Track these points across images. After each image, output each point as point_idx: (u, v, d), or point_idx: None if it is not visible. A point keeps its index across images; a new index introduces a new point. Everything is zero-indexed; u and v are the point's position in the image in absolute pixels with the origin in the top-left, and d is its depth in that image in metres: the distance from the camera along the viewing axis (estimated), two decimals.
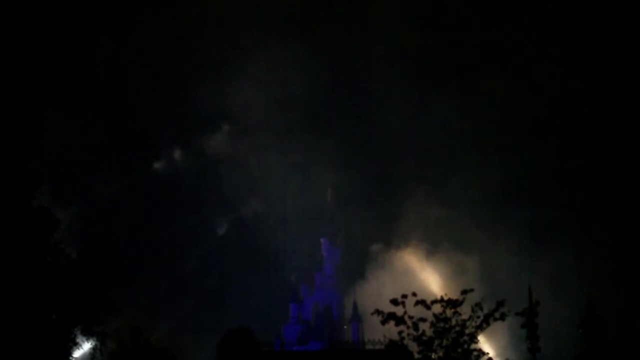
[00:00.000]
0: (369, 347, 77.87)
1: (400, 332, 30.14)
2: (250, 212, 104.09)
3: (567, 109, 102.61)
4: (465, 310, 30.24)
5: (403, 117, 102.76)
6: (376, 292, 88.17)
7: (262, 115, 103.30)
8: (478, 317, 30.13)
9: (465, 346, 30.21)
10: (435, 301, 30.46)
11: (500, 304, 30.33)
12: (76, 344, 39.33)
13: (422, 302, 30.12)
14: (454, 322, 30.19)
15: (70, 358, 39.46)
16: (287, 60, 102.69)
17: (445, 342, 30.14)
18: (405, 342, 30.31)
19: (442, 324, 30.15)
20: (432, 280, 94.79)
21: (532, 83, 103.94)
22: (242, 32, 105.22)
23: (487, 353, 30.98)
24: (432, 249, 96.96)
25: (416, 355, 30.57)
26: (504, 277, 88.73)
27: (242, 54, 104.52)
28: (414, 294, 30.13)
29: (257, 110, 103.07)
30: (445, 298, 30.37)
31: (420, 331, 30.06)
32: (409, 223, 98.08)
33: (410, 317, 29.97)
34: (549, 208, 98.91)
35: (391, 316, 29.88)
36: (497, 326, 31.31)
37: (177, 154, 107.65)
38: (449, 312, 30.19)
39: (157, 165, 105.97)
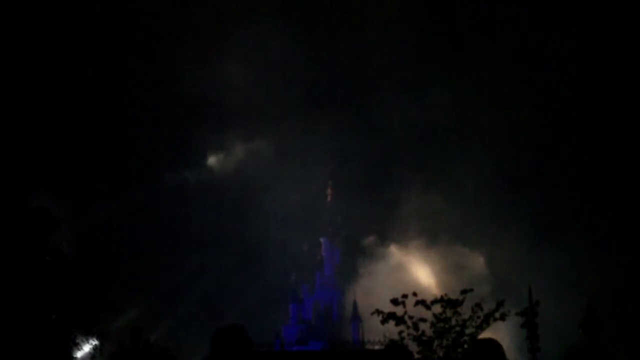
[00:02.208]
0: (368, 347, 77.88)
1: (400, 332, 30.12)
2: (241, 205, 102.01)
3: (571, 92, 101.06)
4: (465, 310, 30.21)
5: (402, 101, 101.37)
6: (374, 288, 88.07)
7: (250, 99, 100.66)
8: (478, 317, 30.10)
9: (466, 346, 30.19)
10: (435, 301, 30.43)
11: (500, 304, 30.30)
12: (76, 344, 39.36)
13: (422, 302, 30.09)
14: (454, 322, 30.17)
15: (71, 358, 39.49)
16: (278, 38, 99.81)
17: (445, 342, 30.13)
18: (405, 342, 30.29)
19: (442, 324, 30.13)
20: (431, 274, 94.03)
21: (533, 66, 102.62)
22: (229, 6, 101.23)
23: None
24: (432, 242, 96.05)
25: (416, 355, 30.56)
26: (508, 271, 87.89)
27: (227, 30, 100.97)
28: (415, 294, 30.10)
29: (245, 92, 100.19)
30: (445, 298, 30.35)
31: (420, 331, 30.04)
32: (407, 214, 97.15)
33: (411, 317, 29.94)
34: (554, 196, 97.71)
35: (391, 316, 29.85)
36: (500, 326, 31.29)
37: (162, 147, 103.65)
38: (449, 312, 30.17)
39: (154, 171, 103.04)
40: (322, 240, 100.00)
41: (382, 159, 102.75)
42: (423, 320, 30.17)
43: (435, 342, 30.19)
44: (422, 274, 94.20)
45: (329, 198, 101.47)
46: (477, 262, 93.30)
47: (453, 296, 30.37)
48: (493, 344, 31.44)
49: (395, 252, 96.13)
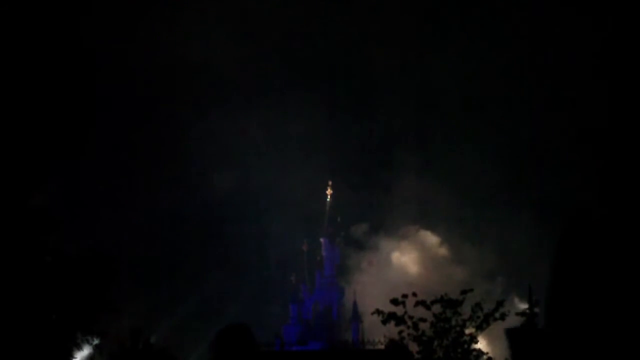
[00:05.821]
0: (368, 347, 77.97)
1: (400, 332, 30.08)
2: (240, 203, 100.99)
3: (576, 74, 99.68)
4: (465, 310, 30.16)
5: (401, 76, 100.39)
6: (368, 280, 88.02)
7: (234, 69, 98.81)
8: (478, 317, 30.07)
9: (466, 346, 30.17)
10: (435, 301, 30.39)
11: (499, 304, 30.24)
12: (76, 345, 39.36)
13: (422, 303, 30.06)
14: (453, 322, 30.13)
15: (71, 359, 39.50)
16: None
17: (445, 342, 30.10)
18: (405, 342, 30.26)
19: (442, 324, 30.10)
20: (429, 268, 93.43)
21: (535, 40, 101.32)
22: None
23: (487, 353, 30.92)
24: (428, 232, 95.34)
25: (416, 356, 30.53)
26: (512, 264, 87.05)
27: None
28: (414, 294, 30.06)
29: (227, 62, 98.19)
30: (446, 297, 30.31)
31: (421, 331, 30.01)
32: (402, 200, 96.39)
33: (411, 317, 29.91)
34: (557, 183, 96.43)
35: (392, 316, 29.82)
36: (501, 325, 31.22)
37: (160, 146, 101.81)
38: (449, 313, 30.14)
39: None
40: (322, 240, 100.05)
41: (378, 141, 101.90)
42: (423, 320, 30.13)
43: (435, 342, 30.16)
44: (417, 266, 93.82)
45: (328, 198, 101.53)
46: (477, 253, 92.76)
47: (450, 289, 30.27)
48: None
49: (389, 242, 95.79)
